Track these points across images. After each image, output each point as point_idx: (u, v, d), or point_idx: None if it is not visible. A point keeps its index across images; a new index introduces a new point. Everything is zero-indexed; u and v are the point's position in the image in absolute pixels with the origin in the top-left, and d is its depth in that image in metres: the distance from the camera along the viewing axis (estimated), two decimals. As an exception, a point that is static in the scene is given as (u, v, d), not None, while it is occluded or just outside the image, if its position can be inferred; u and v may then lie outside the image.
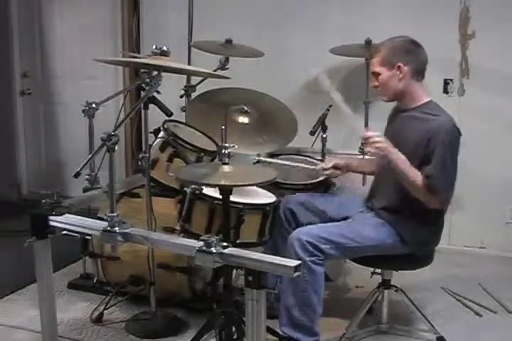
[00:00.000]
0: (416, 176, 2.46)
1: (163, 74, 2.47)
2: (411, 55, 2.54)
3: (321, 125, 3.35)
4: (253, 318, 1.95)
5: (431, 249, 2.66)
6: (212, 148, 2.91)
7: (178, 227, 2.77)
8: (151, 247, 2.72)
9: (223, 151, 2.33)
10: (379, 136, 2.49)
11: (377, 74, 2.59)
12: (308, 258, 2.44)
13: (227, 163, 2.32)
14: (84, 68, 4.57)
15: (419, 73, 2.57)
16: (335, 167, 2.89)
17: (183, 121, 3.20)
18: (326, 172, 2.89)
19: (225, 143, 2.36)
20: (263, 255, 2.02)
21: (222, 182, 2.29)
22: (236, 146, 2.36)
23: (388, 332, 2.85)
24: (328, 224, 2.67)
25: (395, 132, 2.65)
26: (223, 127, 2.38)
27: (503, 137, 3.82)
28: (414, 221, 2.55)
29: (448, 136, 2.46)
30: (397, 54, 2.54)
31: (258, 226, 2.61)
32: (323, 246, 2.47)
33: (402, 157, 2.47)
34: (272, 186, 2.78)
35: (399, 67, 2.52)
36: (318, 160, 3.38)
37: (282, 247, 2.61)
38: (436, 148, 2.44)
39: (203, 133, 3.05)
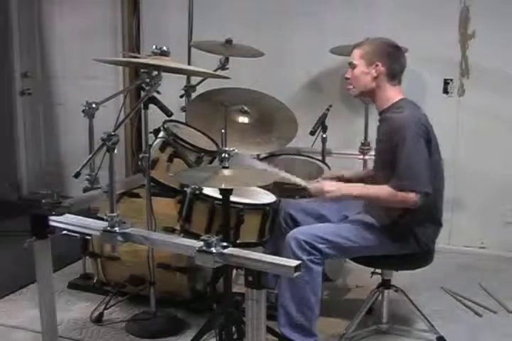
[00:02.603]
0: (379, 191, 2.48)
1: (163, 74, 2.47)
2: (391, 57, 2.55)
3: (321, 125, 3.35)
4: (253, 318, 1.95)
5: (429, 247, 2.65)
6: (213, 148, 2.91)
7: (178, 227, 2.77)
8: (151, 247, 2.72)
9: (223, 155, 2.33)
10: (323, 186, 2.54)
11: (353, 66, 2.59)
12: (306, 257, 2.44)
13: (227, 167, 2.32)
14: (84, 68, 4.56)
15: (394, 76, 2.57)
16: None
17: (183, 121, 3.20)
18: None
19: (225, 146, 2.36)
20: (263, 255, 2.03)
21: (223, 186, 2.29)
22: (236, 150, 2.35)
23: (388, 332, 2.85)
24: (326, 223, 2.68)
25: (376, 139, 2.69)
26: (223, 130, 2.38)
27: (503, 137, 3.81)
28: (409, 219, 2.53)
29: (409, 131, 2.43)
30: (379, 53, 2.55)
31: (258, 226, 2.61)
32: (320, 246, 2.48)
33: (351, 188, 2.56)
34: (272, 186, 2.78)
35: (377, 65, 2.53)
36: (318, 160, 3.38)
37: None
38: (399, 145, 2.43)
39: (203, 133, 3.05)
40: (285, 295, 2.52)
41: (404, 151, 2.42)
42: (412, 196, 2.40)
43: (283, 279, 2.53)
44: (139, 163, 2.66)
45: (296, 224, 2.78)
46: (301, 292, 2.49)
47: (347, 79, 2.63)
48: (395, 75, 2.57)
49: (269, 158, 3.35)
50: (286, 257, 2.21)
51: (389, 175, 2.50)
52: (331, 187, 2.55)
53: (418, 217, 2.53)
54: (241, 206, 2.55)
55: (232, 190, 2.35)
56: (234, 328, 2.41)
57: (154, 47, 2.61)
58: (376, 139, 2.73)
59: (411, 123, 2.45)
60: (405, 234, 2.55)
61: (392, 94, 2.58)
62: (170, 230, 2.89)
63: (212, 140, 2.98)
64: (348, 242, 2.53)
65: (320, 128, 3.34)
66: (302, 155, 3.44)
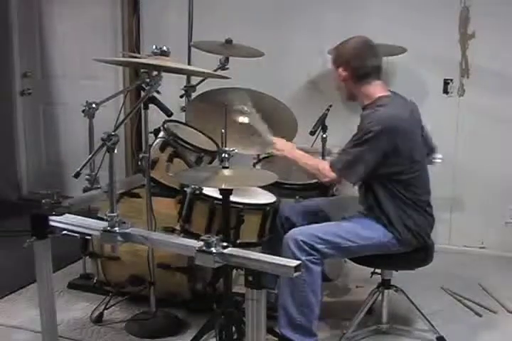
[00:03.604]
0: (317, 163, 2.67)
1: (163, 74, 2.47)
2: (354, 59, 2.58)
3: (321, 125, 3.34)
4: (253, 318, 1.95)
5: (426, 242, 2.65)
6: (213, 148, 2.91)
7: (178, 227, 2.77)
8: (151, 247, 2.72)
9: (223, 155, 2.32)
10: (279, 140, 2.78)
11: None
12: (304, 258, 2.44)
13: (227, 167, 2.32)
14: (84, 68, 4.57)
15: (364, 76, 2.58)
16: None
17: (183, 121, 3.20)
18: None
19: (225, 146, 2.36)
20: (263, 255, 2.03)
21: (223, 186, 2.29)
22: (236, 150, 2.35)
23: (388, 332, 2.85)
24: (324, 223, 2.66)
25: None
26: (223, 130, 2.38)
27: (503, 137, 3.82)
28: (402, 212, 2.56)
29: (368, 125, 2.48)
30: (340, 57, 2.62)
31: (258, 226, 2.62)
32: (319, 246, 2.48)
33: (300, 156, 2.72)
34: (272, 186, 2.78)
35: (339, 70, 2.60)
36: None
37: (280, 252, 2.59)
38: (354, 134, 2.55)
39: (203, 133, 3.05)
40: (285, 296, 2.52)
41: (351, 140, 2.55)
42: (329, 170, 2.57)
43: (283, 280, 2.53)
44: (139, 163, 2.66)
45: (291, 225, 2.76)
46: (301, 292, 2.49)
47: None
48: (364, 74, 2.58)
49: (270, 157, 3.34)
50: (285, 257, 2.21)
51: None
52: (283, 146, 2.75)
53: (407, 209, 2.56)
54: (241, 206, 2.55)
55: (232, 190, 2.35)
56: (234, 328, 2.41)
57: (154, 47, 2.61)
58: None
59: (377, 118, 2.48)
60: (402, 231, 2.55)
61: (370, 91, 2.59)
62: (170, 230, 2.88)
63: (212, 140, 2.98)
64: (347, 242, 2.53)
65: (320, 128, 3.34)
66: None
